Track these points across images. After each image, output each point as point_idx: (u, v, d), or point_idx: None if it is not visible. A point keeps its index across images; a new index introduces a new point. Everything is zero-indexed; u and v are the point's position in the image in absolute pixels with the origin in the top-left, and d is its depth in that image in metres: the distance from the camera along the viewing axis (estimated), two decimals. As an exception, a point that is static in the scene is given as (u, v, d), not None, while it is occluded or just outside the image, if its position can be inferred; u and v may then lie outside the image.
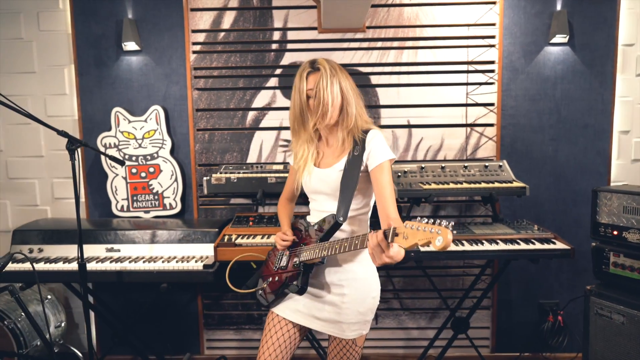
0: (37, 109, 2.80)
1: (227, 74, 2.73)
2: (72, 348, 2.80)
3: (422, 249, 2.13)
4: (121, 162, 2.18)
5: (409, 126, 2.76)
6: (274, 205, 2.77)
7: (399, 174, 2.49)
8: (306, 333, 1.73)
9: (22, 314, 2.61)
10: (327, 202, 1.60)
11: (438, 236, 1.04)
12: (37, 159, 2.86)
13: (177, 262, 2.31)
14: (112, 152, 2.73)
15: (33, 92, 2.80)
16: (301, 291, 1.56)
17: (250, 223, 2.45)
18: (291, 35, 2.70)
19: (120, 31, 2.67)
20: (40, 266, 2.29)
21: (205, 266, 2.25)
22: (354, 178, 1.52)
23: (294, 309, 1.65)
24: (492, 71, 2.71)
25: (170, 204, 2.77)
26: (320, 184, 1.60)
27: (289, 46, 2.69)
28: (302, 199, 1.81)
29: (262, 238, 2.29)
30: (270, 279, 1.70)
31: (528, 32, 2.69)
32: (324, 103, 1.51)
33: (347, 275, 1.58)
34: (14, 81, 2.79)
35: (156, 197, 2.77)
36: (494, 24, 2.69)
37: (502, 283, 2.84)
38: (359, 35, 2.70)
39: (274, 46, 2.70)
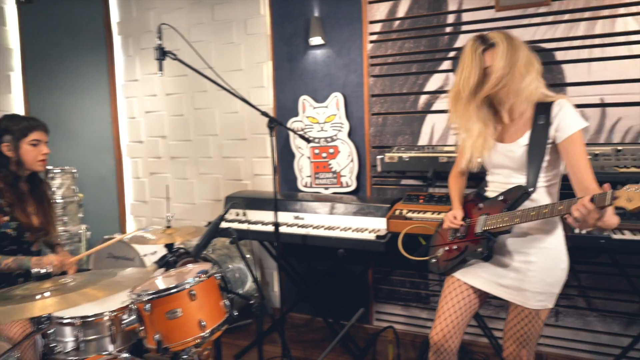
0: (243, 100, 3.38)
1: (401, 60, 2.87)
2: (263, 303, 3.32)
3: None
4: (307, 140, 2.52)
5: (603, 105, 2.49)
6: (444, 188, 2.82)
7: (589, 157, 2.28)
8: (484, 301, 1.76)
9: (229, 266, 3.20)
10: (513, 176, 1.62)
11: None
12: (242, 142, 3.45)
13: (352, 231, 2.56)
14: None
15: (240, 86, 3.39)
16: (487, 257, 1.61)
17: (421, 201, 2.55)
18: (466, 17, 2.70)
19: (308, 28, 3.04)
20: (244, 226, 2.79)
21: (377, 237, 2.44)
22: (541, 150, 1.52)
23: (475, 275, 1.69)
24: None
25: (346, 182, 3.05)
26: (504, 159, 1.63)
27: (464, 28, 2.70)
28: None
29: (432, 214, 2.38)
30: (447, 247, 1.78)
31: None
32: (505, 77, 1.52)
33: (535, 243, 1.58)
34: (226, 77, 3.41)
35: (335, 175, 3.08)
36: None
37: None
38: (542, 10, 2.54)
39: (448, 29, 2.74)
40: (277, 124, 2.34)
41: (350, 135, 3.04)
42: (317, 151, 3.10)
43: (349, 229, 2.60)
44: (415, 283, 2.99)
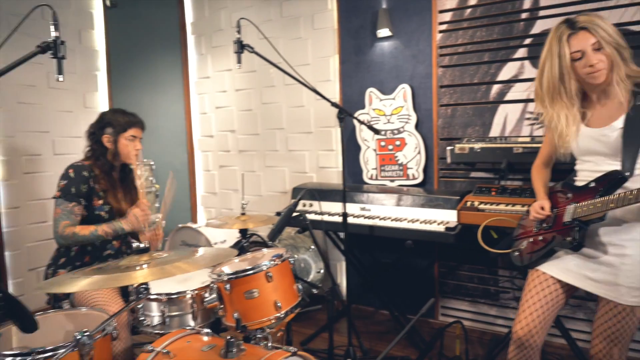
0: (310, 94, 3.44)
1: (472, 50, 2.80)
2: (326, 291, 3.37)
3: None
4: (376, 131, 2.52)
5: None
6: (517, 180, 2.72)
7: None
8: (570, 296, 1.68)
9: (295, 256, 3.28)
10: (605, 162, 1.54)
11: None
12: (307, 135, 3.52)
13: (420, 223, 2.53)
14: (364, 127, 3.14)
15: (307, 80, 3.45)
16: (577, 247, 1.54)
17: (493, 193, 2.48)
18: (544, 1, 2.58)
19: (376, 20, 3.04)
20: (311, 216, 2.84)
21: (447, 229, 2.40)
22: (639, 133, 1.44)
23: (562, 268, 1.62)
24: None
25: (413, 175, 3.03)
26: (595, 144, 1.56)
27: (542, 13, 2.58)
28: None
29: (506, 206, 2.30)
30: (532, 239, 1.73)
31: None
32: (599, 61, 1.46)
33: (631, 234, 1.49)
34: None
35: (401, 167, 3.06)
36: None
37: None
38: (630, -10, 2.38)
39: (524, 15, 2.63)
40: (347, 115, 2.37)
41: (417, 127, 3.00)
42: (383, 143, 3.10)
43: (417, 220, 2.58)
44: (484, 279, 2.91)
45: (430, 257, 3.07)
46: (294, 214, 2.20)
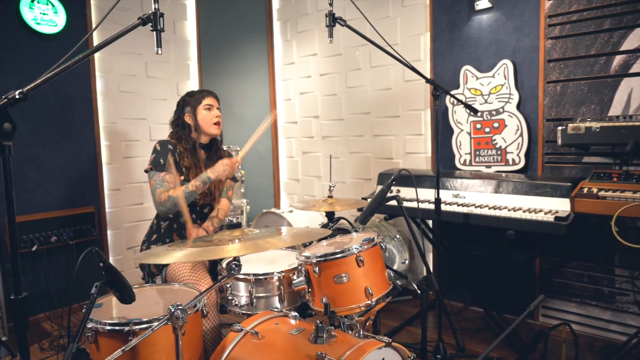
0: (398, 76, 3.28)
1: (589, 17, 2.45)
2: (412, 284, 3.19)
3: None
4: (475, 111, 2.29)
5: None
6: (641, 165, 2.35)
7: None
8: None
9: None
10: None
11: None
12: (394, 119, 3.35)
13: (523, 212, 2.27)
14: (458, 108, 2.91)
15: (394, 62, 3.27)
16: None
17: (614, 179, 2.15)
18: (684, -47, 2.18)
19: (474, -8, 2.79)
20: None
21: (557, 218, 2.13)
22: None
23: None
24: None
25: (513, 160, 2.75)
26: None
27: (682, -34, 2.18)
28: None
29: (634, 193, 1.98)
30: None
31: None
32: None
33: None
34: (381, 53, 3.34)
35: (499, 152, 2.79)
36: None
37: None
38: None
39: (658, -29, 2.24)
40: (442, 92, 2.18)
41: (519, 107, 2.71)
42: (479, 126, 2.85)
43: (519, 209, 2.32)
44: (597, 278, 2.56)
45: (530, 251, 2.77)
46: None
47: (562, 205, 2.22)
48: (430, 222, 3.05)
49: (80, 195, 3.26)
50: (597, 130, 2.17)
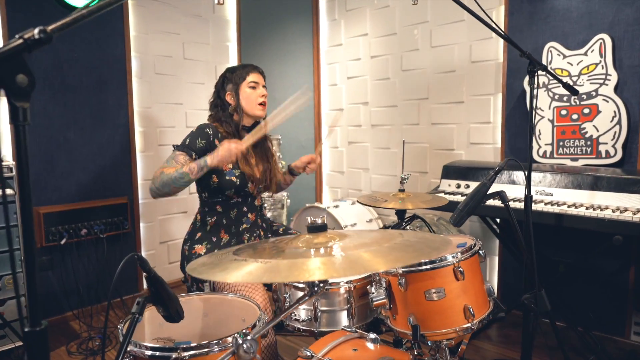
0: (463, 55, 2.90)
1: None
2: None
3: None
4: (575, 91, 1.91)
5: None
6: None
7: None
8: None
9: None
10: None
11: None
12: (458, 105, 2.98)
13: (633, 213, 1.89)
14: (541, 92, 2.52)
15: (461, 40, 2.90)
16: None
17: None
18: None
19: (563, -45, 2.38)
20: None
21: (682, 223, 1.73)
22: None
23: None
24: None
25: (606, 151, 2.34)
26: None
27: None
28: None
29: None
30: None
31: None
32: None
33: None
34: (446, 31, 2.97)
35: (589, 142, 2.39)
36: None
37: None
38: None
39: None
40: (540, 68, 1.80)
41: (616, 90, 2.31)
42: (564, 112, 2.45)
43: (625, 209, 1.93)
44: None
45: (622, 258, 2.37)
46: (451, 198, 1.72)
47: (680, 207, 1.83)
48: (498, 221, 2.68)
49: (113, 185, 3.02)
50: None
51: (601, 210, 1.97)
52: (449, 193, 2.49)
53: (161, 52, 3.24)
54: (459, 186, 2.54)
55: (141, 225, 3.21)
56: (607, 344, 2.41)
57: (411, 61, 3.19)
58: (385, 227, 1.86)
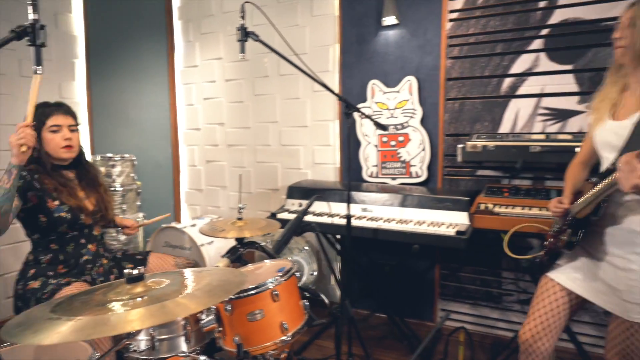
0: (307, 86, 3.23)
1: (484, 40, 2.62)
2: (322, 295, 3.18)
3: None
4: (384, 127, 2.32)
5: None
6: (526, 179, 2.57)
7: None
8: (581, 306, 1.57)
9: (288, 258, 3.09)
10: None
11: None
12: (303, 129, 3.31)
13: (427, 226, 2.36)
14: (366, 121, 2.95)
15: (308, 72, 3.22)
16: (568, 246, 1.50)
17: (505, 194, 2.32)
18: (563, -11, 2.41)
19: (381, 8, 2.82)
20: (310, 218, 2.64)
21: (458, 232, 2.23)
22: None
23: (572, 277, 1.54)
24: None
25: (416, 172, 2.85)
26: (611, 137, 1.41)
27: (561, 1, 2.41)
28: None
29: (522, 209, 2.15)
30: (547, 243, 1.65)
31: None
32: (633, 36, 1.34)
33: (639, 249, 1.35)
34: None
35: (403, 165, 2.88)
36: None
37: None
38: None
39: (542, 4, 2.46)
40: (354, 111, 2.17)
41: (422, 122, 2.82)
42: (385, 139, 2.92)
43: (423, 223, 2.41)
44: (486, 281, 2.78)
45: (430, 259, 2.92)
46: (284, 217, 2.00)
47: (462, 219, 2.34)
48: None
49: None
50: (492, 149, 2.32)
51: (406, 224, 2.42)
52: (292, 212, 2.78)
53: (-7, 68, 3.00)
54: (301, 205, 2.85)
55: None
56: (419, 328, 2.93)
57: (262, 87, 3.43)
58: (225, 254, 2.05)
